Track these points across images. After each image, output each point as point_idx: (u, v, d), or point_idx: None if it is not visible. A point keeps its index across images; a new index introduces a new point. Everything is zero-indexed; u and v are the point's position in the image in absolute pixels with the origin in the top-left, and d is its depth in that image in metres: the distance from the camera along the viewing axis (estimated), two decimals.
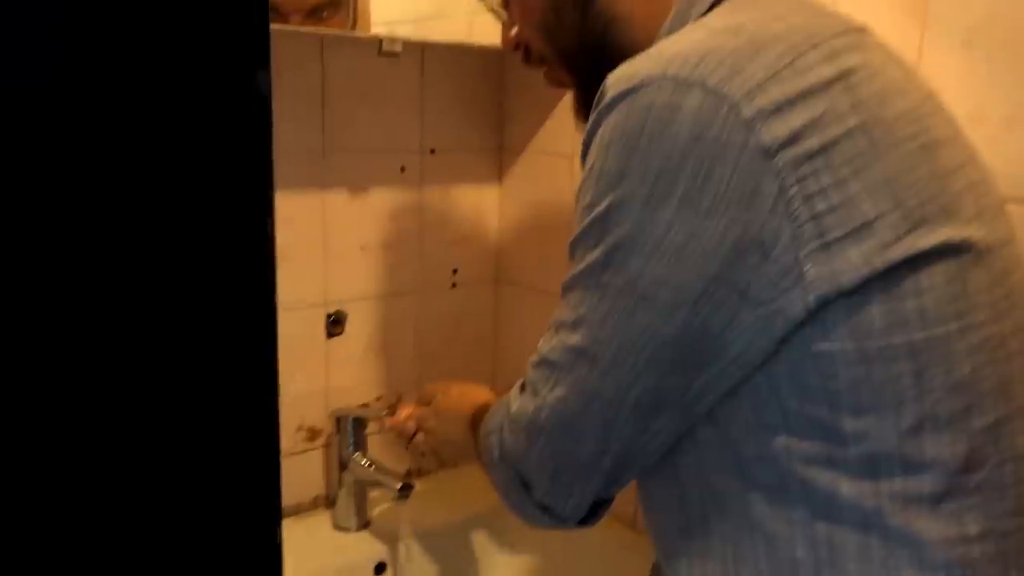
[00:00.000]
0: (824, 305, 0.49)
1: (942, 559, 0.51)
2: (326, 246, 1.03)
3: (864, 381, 0.50)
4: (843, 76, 0.51)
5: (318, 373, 1.05)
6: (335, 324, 1.05)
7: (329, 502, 1.05)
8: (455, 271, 1.17)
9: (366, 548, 0.98)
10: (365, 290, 1.08)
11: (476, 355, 1.22)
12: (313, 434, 1.05)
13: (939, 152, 0.53)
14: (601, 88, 0.53)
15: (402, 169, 1.09)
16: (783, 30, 0.52)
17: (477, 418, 0.74)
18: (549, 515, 0.62)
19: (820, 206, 0.48)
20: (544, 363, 0.58)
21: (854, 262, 0.48)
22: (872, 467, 0.51)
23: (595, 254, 0.53)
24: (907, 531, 0.51)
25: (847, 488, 0.51)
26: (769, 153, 0.48)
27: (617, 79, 0.52)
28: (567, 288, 0.56)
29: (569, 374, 0.56)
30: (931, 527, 0.51)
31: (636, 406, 0.54)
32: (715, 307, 0.50)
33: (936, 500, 0.51)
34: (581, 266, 0.54)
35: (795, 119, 0.48)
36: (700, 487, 0.57)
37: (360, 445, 1.00)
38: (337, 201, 1.03)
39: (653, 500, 0.62)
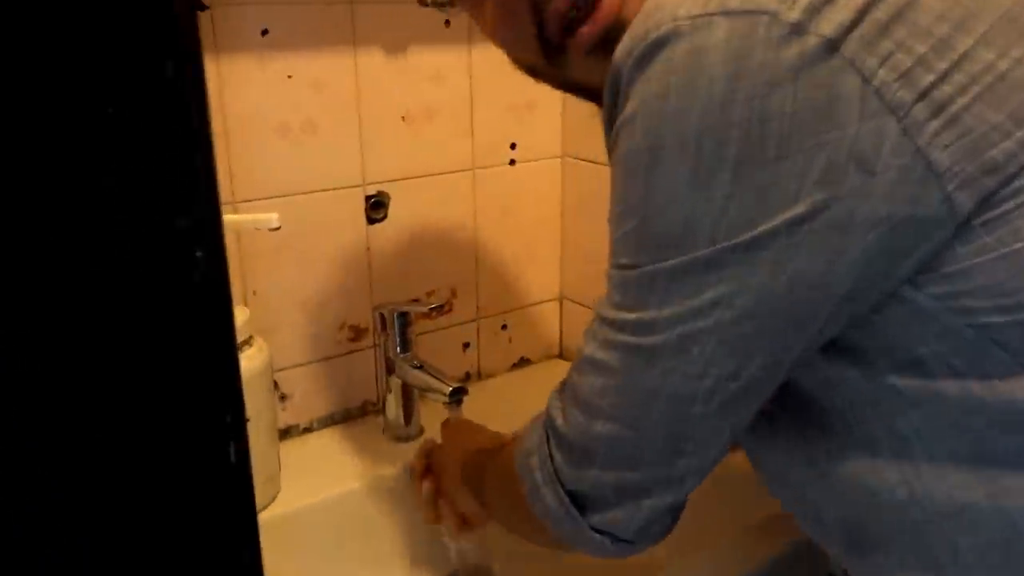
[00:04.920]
0: (986, 200, 0.39)
1: None
2: (361, 116, 0.88)
3: None
4: None
5: (360, 265, 0.92)
6: (376, 208, 0.91)
7: (379, 408, 0.95)
8: (513, 146, 1.01)
9: None
10: (409, 168, 0.93)
11: (540, 242, 1.07)
12: (357, 333, 0.93)
13: None
14: (612, 68, 0.44)
15: (447, 23, 0.91)
16: None
17: (471, 462, 0.69)
18: (611, 539, 0.52)
19: (926, 79, 0.38)
20: (591, 362, 0.48)
21: (1004, 126, 0.38)
22: None
23: (642, 257, 0.44)
24: None
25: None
26: (833, 45, 0.38)
27: (627, 50, 0.42)
28: (616, 280, 0.46)
29: (623, 373, 0.47)
30: None
31: (711, 396, 0.45)
32: (809, 250, 0.40)
33: None
34: (627, 270, 0.45)
35: None
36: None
37: (407, 345, 0.88)
38: (371, 62, 0.87)
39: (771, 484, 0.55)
